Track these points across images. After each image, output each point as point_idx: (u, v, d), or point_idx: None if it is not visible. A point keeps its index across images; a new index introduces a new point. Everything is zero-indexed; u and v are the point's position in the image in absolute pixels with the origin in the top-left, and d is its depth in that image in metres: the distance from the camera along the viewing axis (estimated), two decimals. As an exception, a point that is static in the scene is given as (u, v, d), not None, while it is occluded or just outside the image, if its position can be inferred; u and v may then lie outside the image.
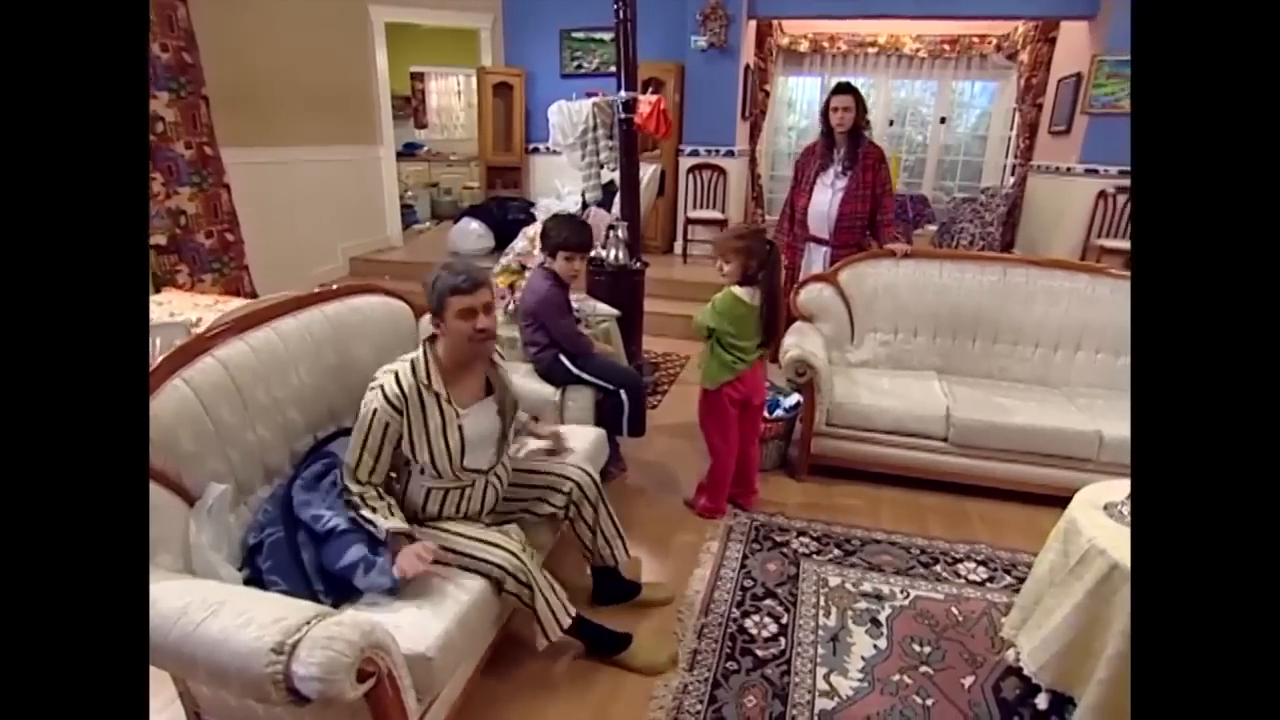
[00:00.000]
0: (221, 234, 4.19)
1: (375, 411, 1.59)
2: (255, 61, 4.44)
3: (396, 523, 1.57)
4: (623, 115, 3.54)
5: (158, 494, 1.43)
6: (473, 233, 5.73)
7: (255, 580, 1.51)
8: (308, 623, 1.18)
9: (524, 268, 3.11)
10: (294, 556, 1.54)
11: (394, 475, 1.70)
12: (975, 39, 6.82)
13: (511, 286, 2.96)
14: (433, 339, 1.68)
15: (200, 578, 1.43)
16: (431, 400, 1.63)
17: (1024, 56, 6.09)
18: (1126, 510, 1.51)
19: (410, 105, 8.00)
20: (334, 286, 2.11)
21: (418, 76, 8.09)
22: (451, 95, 8.46)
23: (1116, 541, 1.41)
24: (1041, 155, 5.88)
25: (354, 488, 1.60)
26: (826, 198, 3.32)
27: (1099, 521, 1.50)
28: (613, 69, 6.15)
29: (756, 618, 2.03)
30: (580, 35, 5.99)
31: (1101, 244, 4.90)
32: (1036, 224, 5.82)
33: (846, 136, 3.24)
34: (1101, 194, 5.02)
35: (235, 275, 4.29)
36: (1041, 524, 2.55)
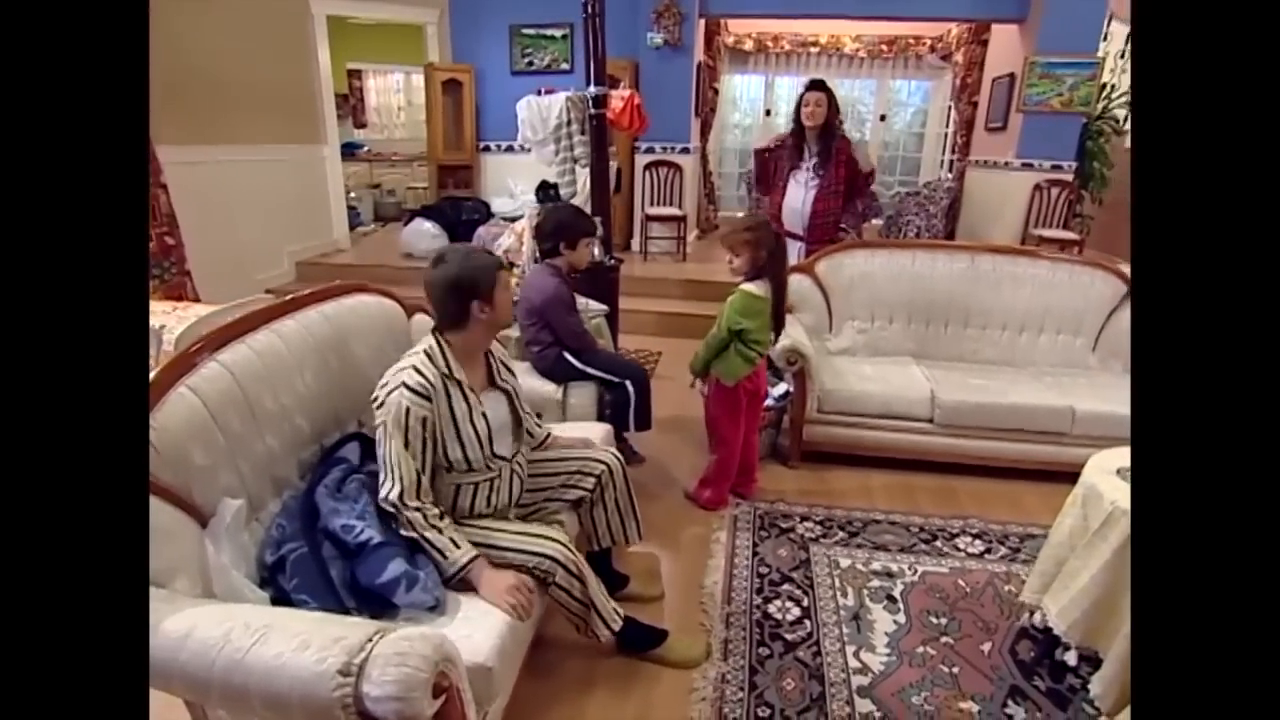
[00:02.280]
0: (161, 237, 3.92)
1: (408, 410, 1.50)
2: (190, 54, 4.17)
3: (469, 548, 1.49)
4: (593, 110, 3.51)
5: (170, 514, 1.32)
6: (426, 233, 5.55)
7: (282, 600, 1.40)
8: (370, 640, 1.11)
9: (512, 265, 3.04)
10: (322, 572, 1.44)
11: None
12: (911, 40, 7.12)
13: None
14: (443, 329, 1.61)
15: (222, 602, 1.33)
16: (455, 389, 1.59)
17: (959, 57, 6.40)
18: (1140, 474, 1.60)
19: (348, 104, 7.69)
20: (335, 284, 2.01)
21: (355, 74, 7.79)
22: (391, 93, 8.19)
23: (1139, 503, 1.50)
24: (979, 150, 6.19)
25: (411, 504, 1.49)
26: (800, 195, 3.38)
27: (1117, 485, 1.59)
28: (565, 66, 6.17)
29: (778, 603, 2.05)
30: (531, 32, 5.91)
31: (1039, 233, 5.20)
32: (976, 215, 6.12)
33: (819, 133, 3.29)
34: (1037, 186, 5.33)
35: (177, 281, 4.02)
36: (1023, 497, 2.71)
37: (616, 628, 1.65)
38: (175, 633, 1.14)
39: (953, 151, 6.82)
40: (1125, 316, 3.10)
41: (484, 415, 1.63)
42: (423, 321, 2.44)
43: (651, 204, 6.01)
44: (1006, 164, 5.52)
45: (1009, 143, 5.48)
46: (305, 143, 5.30)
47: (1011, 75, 5.40)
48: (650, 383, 2.61)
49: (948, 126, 7.18)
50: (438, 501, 1.62)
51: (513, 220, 5.84)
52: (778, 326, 2.38)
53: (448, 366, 1.58)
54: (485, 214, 5.91)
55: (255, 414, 1.57)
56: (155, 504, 1.29)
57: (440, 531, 1.49)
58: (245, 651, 1.11)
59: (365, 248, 6.09)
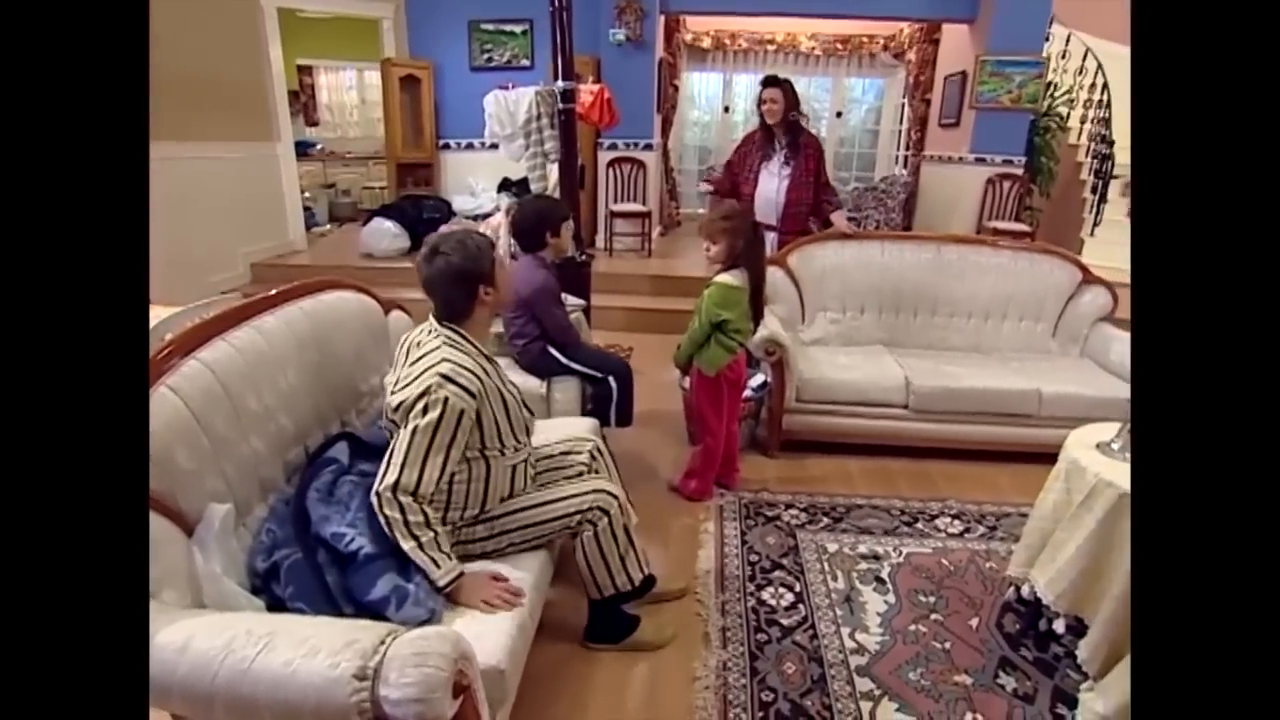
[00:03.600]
0: (107, 240, 3.72)
1: (461, 411, 1.44)
2: (135, 47, 3.97)
3: (452, 567, 1.43)
4: (562, 105, 3.49)
5: (155, 522, 1.24)
6: (387, 233, 5.42)
7: (278, 608, 1.34)
8: (384, 641, 1.07)
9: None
10: (318, 580, 1.38)
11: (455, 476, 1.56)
12: (865, 39, 7.28)
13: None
14: (452, 319, 1.57)
15: (215, 612, 1.27)
16: (492, 369, 1.57)
17: (911, 56, 6.57)
18: (1117, 446, 1.67)
19: (299, 101, 7.45)
20: (315, 279, 1.95)
21: (305, 70, 7.55)
22: (344, 90, 7.97)
23: (1119, 473, 1.57)
24: (933, 146, 6.37)
25: (403, 501, 1.40)
26: (774, 185, 3.41)
27: (1098, 459, 1.65)
28: (525, 62, 6.11)
29: (771, 589, 2.07)
30: (490, 27, 5.83)
31: (993, 225, 5.38)
32: (932, 209, 6.30)
33: (785, 127, 3.32)
34: (990, 180, 5.52)
35: (126, 286, 3.83)
36: (995, 477, 2.80)
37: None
38: (171, 644, 1.09)
39: (907, 147, 7.01)
40: (1082, 302, 3.24)
41: (512, 389, 1.64)
42: (399, 319, 2.39)
43: (616, 200, 6.00)
44: (960, 159, 5.70)
45: (962, 138, 5.66)
46: (257, 140, 5.11)
47: (963, 73, 5.57)
48: (633, 378, 2.60)
49: (901, 123, 7.37)
50: (492, 491, 1.59)
51: (475, 218, 5.77)
52: (756, 316, 2.40)
53: (477, 350, 1.57)
54: (447, 213, 5.80)
55: (239, 414, 1.50)
56: (139, 511, 1.23)
57: (419, 545, 1.40)
58: (251, 660, 1.06)
59: (322, 248, 5.91)
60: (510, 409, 1.61)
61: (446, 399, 1.42)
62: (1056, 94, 5.85)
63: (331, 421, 1.86)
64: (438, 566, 1.40)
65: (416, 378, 1.47)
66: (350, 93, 8.02)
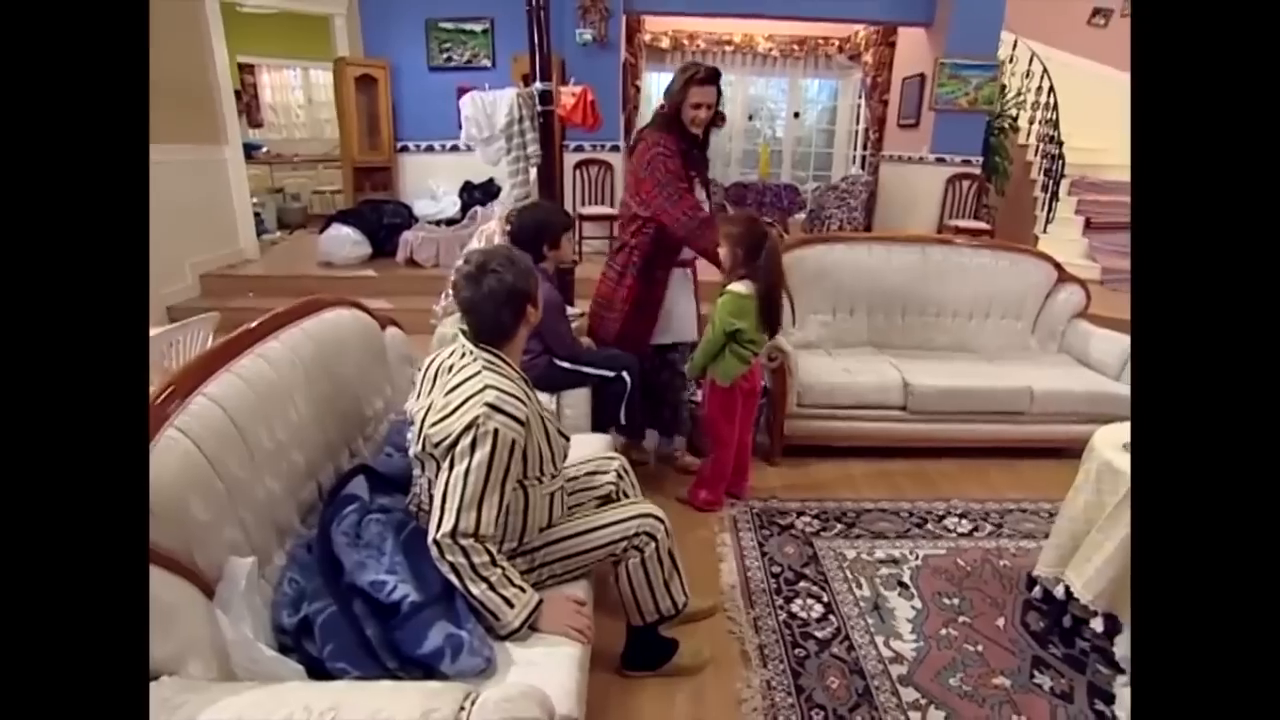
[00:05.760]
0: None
1: (500, 437, 1.34)
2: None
3: (530, 598, 1.35)
4: (540, 107, 3.39)
5: (172, 585, 1.09)
6: (347, 239, 5.20)
7: (318, 670, 1.21)
8: (462, 708, 0.98)
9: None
10: (358, 635, 1.25)
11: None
12: (821, 40, 7.40)
13: (454, 287, 2.72)
14: (491, 341, 1.48)
15: (248, 681, 1.14)
16: (531, 395, 1.47)
17: (868, 57, 6.71)
18: (1145, 448, 1.71)
19: (242, 101, 7.06)
20: (313, 297, 1.82)
21: (247, 69, 7.16)
22: (289, 90, 7.60)
23: (1155, 476, 1.60)
24: (892, 146, 6.51)
25: (465, 545, 1.31)
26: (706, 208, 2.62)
27: (1129, 460, 1.68)
28: (486, 62, 5.95)
29: (799, 601, 2.05)
30: (449, 26, 5.65)
31: (955, 224, 5.54)
32: (892, 208, 6.44)
33: (703, 136, 2.54)
34: (951, 180, 5.68)
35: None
36: (990, 474, 2.87)
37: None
38: (219, 728, 0.97)
39: (865, 147, 7.15)
40: (1058, 300, 3.35)
41: (548, 413, 1.56)
42: (395, 335, 2.27)
43: (583, 203, 5.92)
44: (921, 159, 5.85)
45: (923, 139, 5.81)
46: (203, 142, 4.81)
47: (921, 75, 5.72)
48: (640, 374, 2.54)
49: (858, 123, 7.52)
50: (531, 523, 1.51)
51: (438, 223, 5.58)
52: (771, 325, 2.35)
53: (516, 371, 1.47)
54: (408, 218, 5.60)
55: (253, 453, 1.38)
56: (155, 575, 1.07)
57: (490, 586, 1.32)
58: (318, 740, 0.96)
59: (276, 257, 5.62)
60: (550, 435, 1.53)
61: (496, 431, 1.33)
62: (1007, 97, 6.07)
63: (340, 452, 1.75)
64: (511, 605, 1.31)
65: (458, 407, 1.36)
66: (296, 92, 7.66)
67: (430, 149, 6.02)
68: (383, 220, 5.40)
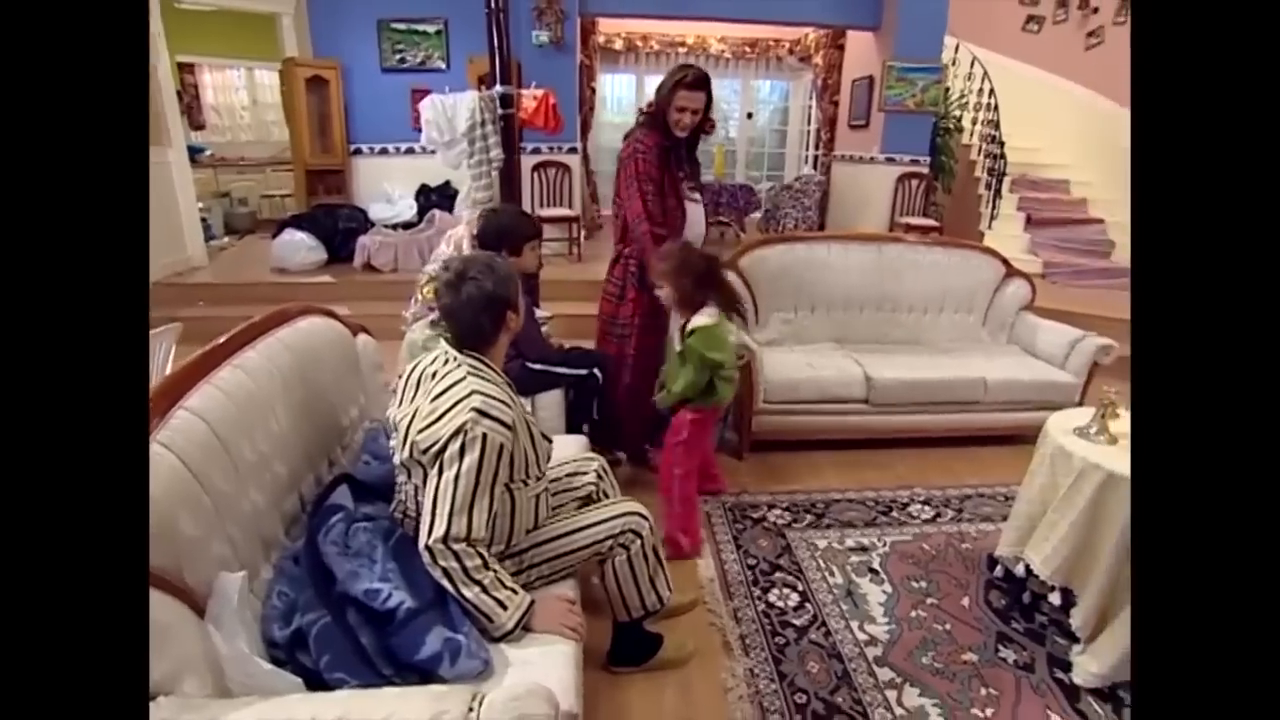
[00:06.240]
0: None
1: (489, 441, 1.35)
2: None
3: (522, 599, 1.37)
4: (501, 111, 3.39)
5: (164, 604, 1.08)
6: (301, 245, 5.08)
7: (315, 682, 1.20)
8: (471, 709, 1.00)
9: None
10: (353, 644, 1.25)
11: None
12: (772, 42, 7.55)
13: (437, 294, 2.70)
14: (473, 347, 1.49)
15: (242, 696, 1.13)
16: (515, 399, 1.49)
17: (818, 59, 6.88)
18: (1094, 430, 1.83)
19: (182, 102, 6.80)
20: (289, 305, 1.80)
21: (187, 68, 6.90)
22: (232, 91, 7.35)
23: (1104, 455, 1.72)
24: (843, 146, 6.70)
25: (457, 549, 1.32)
26: (699, 214, 2.65)
27: (1081, 444, 1.80)
28: (440, 64, 5.88)
29: (776, 591, 2.11)
30: (401, 27, 5.56)
31: (905, 221, 5.73)
32: (845, 207, 6.63)
33: (691, 140, 2.53)
34: (900, 179, 5.88)
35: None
36: (950, 462, 2.99)
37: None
38: (228, 744, 0.97)
39: (817, 147, 7.33)
40: (1006, 294, 3.52)
41: (531, 417, 1.58)
42: (367, 342, 2.24)
43: (542, 205, 5.91)
44: (872, 159, 6.03)
45: (872, 139, 5.99)
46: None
47: (870, 77, 5.90)
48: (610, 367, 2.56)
49: (809, 124, 7.70)
50: (518, 524, 1.52)
51: (394, 227, 5.50)
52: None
53: (500, 375, 1.49)
54: (364, 222, 5.50)
55: (237, 466, 1.36)
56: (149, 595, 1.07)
57: (482, 589, 1.33)
58: (329, 751, 0.96)
59: (226, 264, 5.44)
60: (535, 438, 1.55)
61: (485, 435, 1.35)
62: (951, 98, 6.31)
63: (320, 463, 1.73)
64: (504, 607, 1.33)
65: (445, 413, 1.38)
66: (240, 93, 7.41)
67: (384, 151, 5.92)
68: (338, 225, 5.29)
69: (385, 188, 5.88)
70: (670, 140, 2.40)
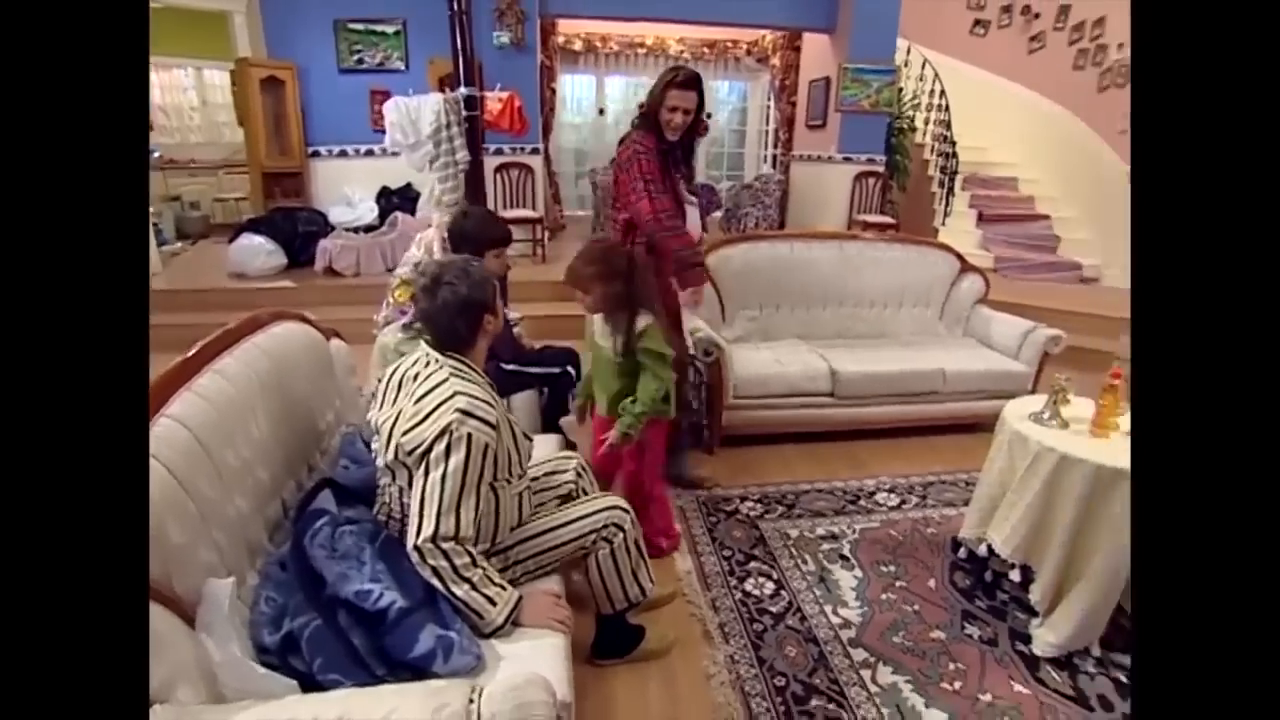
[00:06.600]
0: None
1: (486, 445, 1.38)
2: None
3: (510, 595, 1.40)
4: (466, 113, 3.39)
5: (156, 613, 1.08)
6: (260, 250, 4.97)
7: (309, 684, 1.21)
8: (471, 700, 1.03)
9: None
10: (346, 646, 1.26)
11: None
12: (730, 44, 7.65)
13: (414, 299, 2.69)
14: (454, 350, 1.51)
15: (238, 702, 1.14)
16: (497, 399, 1.51)
17: (775, 61, 7.01)
18: (1047, 415, 1.94)
19: (127, 102, 6.57)
20: (263, 310, 1.79)
21: (130, 68, 6.65)
22: (179, 91, 7.13)
23: (1057, 439, 1.83)
24: (801, 146, 6.84)
25: (446, 548, 1.35)
26: (695, 217, 2.61)
27: (1035, 429, 1.91)
28: (399, 65, 5.81)
29: (752, 580, 2.18)
30: (359, 27, 5.48)
31: (863, 219, 5.89)
32: (804, 205, 6.77)
33: (686, 142, 2.52)
34: (857, 177, 6.04)
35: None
36: (912, 450, 3.11)
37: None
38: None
39: (775, 146, 7.47)
40: (962, 288, 3.66)
41: (512, 416, 1.60)
42: (340, 347, 2.23)
43: (505, 207, 5.89)
44: (830, 158, 6.18)
45: (830, 139, 6.14)
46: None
47: (826, 78, 6.04)
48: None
49: (768, 124, 7.84)
50: (502, 523, 1.54)
51: (356, 230, 5.42)
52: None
53: (482, 376, 1.51)
54: (323, 225, 5.41)
55: (221, 472, 1.36)
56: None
57: (472, 586, 1.36)
58: (335, 751, 0.98)
59: (180, 270, 5.29)
60: (516, 437, 1.58)
61: (470, 435, 1.37)
62: (904, 99, 6.51)
63: (300, 468, 1.73)
64: (493, 603, 1.36)
65: (430, 414, 1.39)
66: (189, 93, 7.19)
67: (344, 154, 5.83)
68: (297, 228, 5.19)
69: (345, 190, 5.78)
70: (665, 143, 2.39)
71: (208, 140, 7.27)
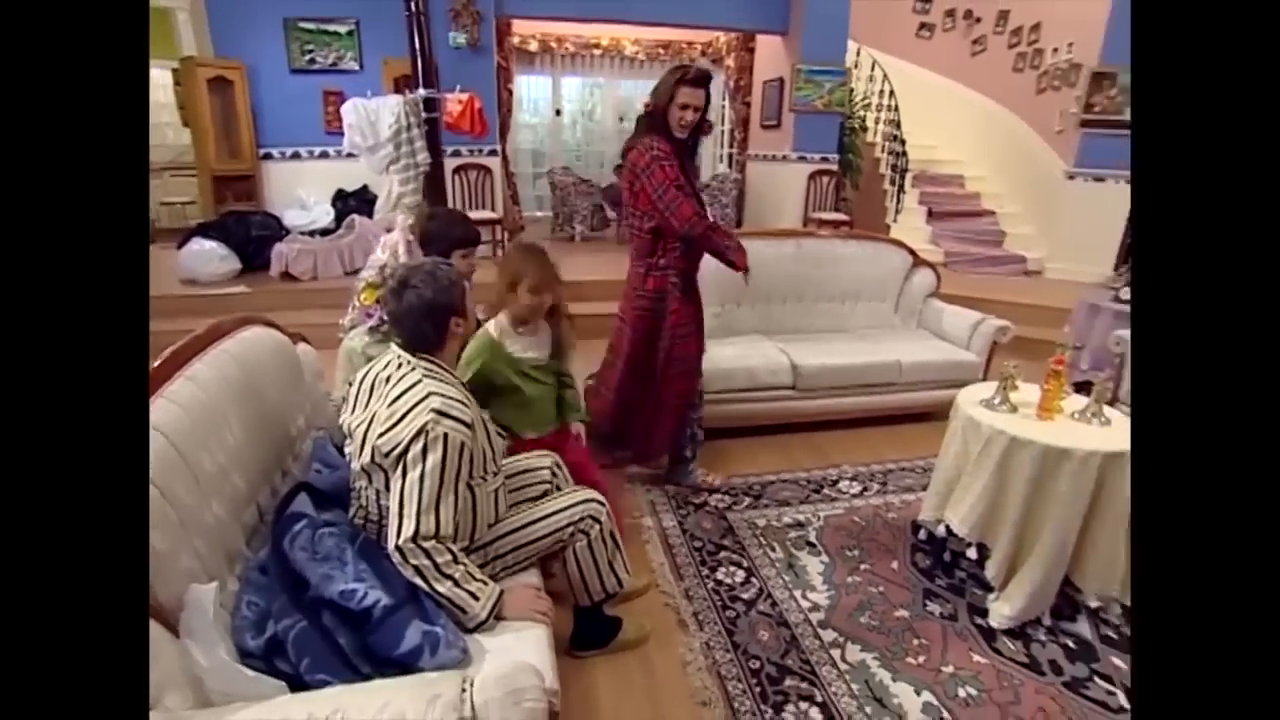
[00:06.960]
0: None
1: (462, 445, 1.41)
2: None
3: (492, 590, 1.43)
4: (426, 114, 3.38)
5: None
6: (212, 255, 4.83)
7: (297, 686, 1.21)
8: (464, 689, 1.06)
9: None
10: (333, 646, 1.27)
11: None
12: (685, 44, 7.74)
13: (379, 302, 2.67)
14: (424, 352, 1.52)
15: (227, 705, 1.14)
16: (471, 399, 1.53)
17: (730, 62, 7.12)
18: (997, 400, 2.05)
19: (62, 103, 6.29)
20: (232, 316, 1.77)
21: (65, 67, 6.37)
22: (119, 91, 6.84)
23: (1008, 423, 1.94)
24: (756, 145, 6.96)
25: (427, 547, 1.37)
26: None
27: (986, 414, 2.01)
28: (353, 65, 5.72)
29: (723, 569, 2.24)
30: (310, 26, 5.37)
31: (818, 216, 6.04)
32: (761, 204, 6.90)
33: (693, 140, 2.49)
34: (812, 176, 6.18)
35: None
36: (872, 440, 3.23)
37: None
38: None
39: (731, 146, 7.58)
40: (914, 282, 3.80)
41: (485, 415, 1.62)
42: (307, 351, 2.22)
43: (465, 208, 5.85)
44: (784, 157, 6.31)
45: (784, 139, 6.27)
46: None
47: (780, 79, 6.17)
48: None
49: (723, 124, 7.95)
50: (480, 519, 1.56)
51: (312, 234, 5.31)
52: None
53: (454, 376, 1.53)
54: (278, 229, 5.28)
55: (198, 479, 1.35)
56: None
57: (455, 582, 1.38)
58: (333, 745, 1.00)
59: (125, 277, 5.09)
60: (490, 435, 1.61)
61: (445, 435, 1.39)
62: (855, 100, 6.70)
63: (274, 473, 1.72)
64: (476, 598, 1.38)
65: (404, 415, 1.41)
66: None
67: (297, 156, 5.70)
68: (251, 233, 5.06)
69: (299, 193, 5.66)
70: (676, 143, 2.36)
71: (153, 143, 7.02)
